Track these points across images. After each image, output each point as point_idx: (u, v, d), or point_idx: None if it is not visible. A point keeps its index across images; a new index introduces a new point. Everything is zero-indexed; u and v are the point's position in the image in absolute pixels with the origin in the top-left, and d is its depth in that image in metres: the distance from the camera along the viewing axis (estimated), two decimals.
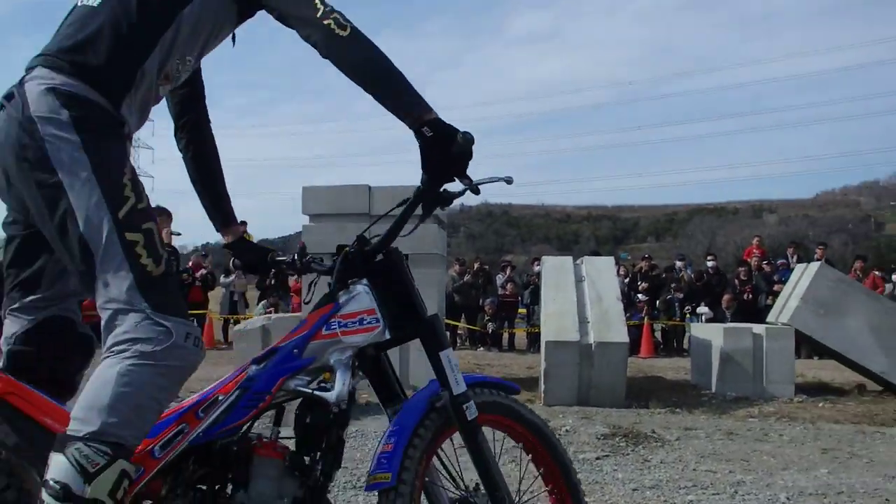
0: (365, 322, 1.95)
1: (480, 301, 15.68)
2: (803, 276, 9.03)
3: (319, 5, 1.82)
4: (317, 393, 1.90)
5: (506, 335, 15.77)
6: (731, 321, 12.29)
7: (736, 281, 14.48)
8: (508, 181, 1.99)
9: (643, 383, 9.06)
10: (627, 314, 11.87)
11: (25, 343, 1.93)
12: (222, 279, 16.19)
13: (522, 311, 16.69)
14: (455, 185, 1.91)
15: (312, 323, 1.94)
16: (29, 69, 1.83)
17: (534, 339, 14.50)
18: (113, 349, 1.70)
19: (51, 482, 1.59)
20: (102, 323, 1.72)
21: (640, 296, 14.75)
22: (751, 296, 13.86)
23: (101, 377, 1.67)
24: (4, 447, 1.74)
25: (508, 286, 16.12)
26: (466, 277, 16.25)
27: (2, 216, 2.01)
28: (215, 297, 16.61)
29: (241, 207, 2.39)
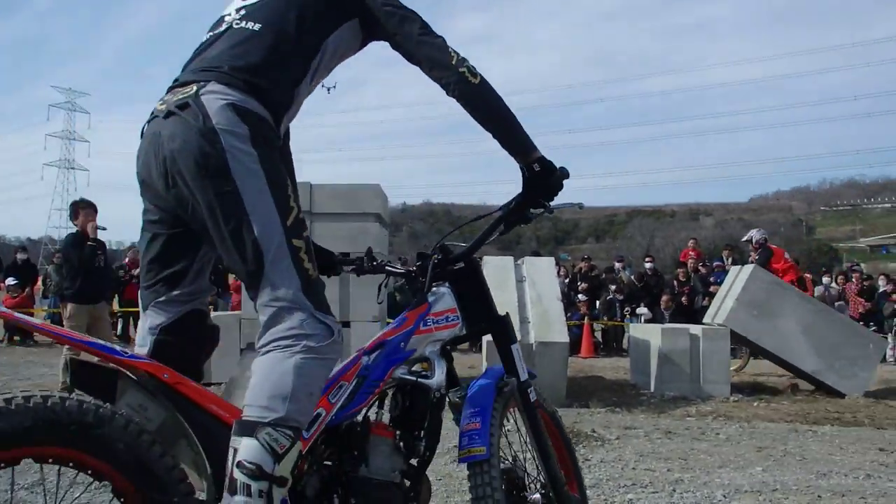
0: (450, 319, 2.27)
1: None
2: (738, 277, 9.21)
3: (453, 53, 2.07)
4: (420, 380, 2.16)
5: None
6: (669, 322, 12.48)
7: (674, 282, 14.68)
8: (580, 207, 2.29)
9: (583, 383, 9.13)
10: (567, 314, 11.98)
11: (168, 334, 2.11)
12: None
13: None
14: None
15: (413, 320, 2.22)
16: (196, 82, 1.94)
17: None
18: (280, 343, 1.85)
19: (245, 463, 1.74)
20: (264, 319, 1.88)
21: (580, 296, 14.85)
22: (687, 297, 14.07)
23: (278, 369, 1.83)
24: (147, 430, 1.80)
25: None
26: None
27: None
28: None
29: None
